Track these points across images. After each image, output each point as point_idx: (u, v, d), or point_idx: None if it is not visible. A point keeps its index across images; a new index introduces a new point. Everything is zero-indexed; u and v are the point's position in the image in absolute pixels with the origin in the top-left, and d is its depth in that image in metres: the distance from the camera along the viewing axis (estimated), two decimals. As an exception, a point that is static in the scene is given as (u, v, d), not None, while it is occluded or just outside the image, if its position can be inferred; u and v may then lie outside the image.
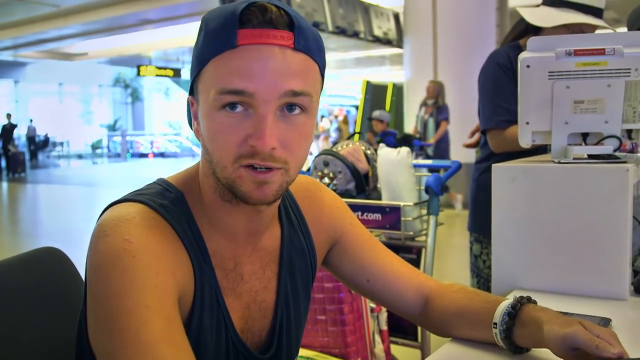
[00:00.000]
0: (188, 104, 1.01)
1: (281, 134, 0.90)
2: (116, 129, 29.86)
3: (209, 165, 0.95)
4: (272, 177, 0.92)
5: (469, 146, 4.23)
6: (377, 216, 2.53)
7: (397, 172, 2.56)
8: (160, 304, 0.85)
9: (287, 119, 0.91)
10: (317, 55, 0.95)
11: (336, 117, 22.96)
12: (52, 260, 1.24)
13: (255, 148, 0.88)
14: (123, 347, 0.81)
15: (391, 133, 7.79)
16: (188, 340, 0.87)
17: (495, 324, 1.07)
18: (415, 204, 2.55)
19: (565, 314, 1.05)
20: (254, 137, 0.88)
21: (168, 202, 0.97)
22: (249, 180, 0.91)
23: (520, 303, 1.06)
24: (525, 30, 2.33)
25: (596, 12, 2.16)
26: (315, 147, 18.43)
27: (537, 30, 2.20)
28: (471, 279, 2.53)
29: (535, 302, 1.08)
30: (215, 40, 0.90)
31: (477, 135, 3.86)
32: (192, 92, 0.98)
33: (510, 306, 1.06)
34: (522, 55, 1.55)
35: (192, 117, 1.00)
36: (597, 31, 2.17)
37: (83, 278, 0.99)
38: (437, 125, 8.46)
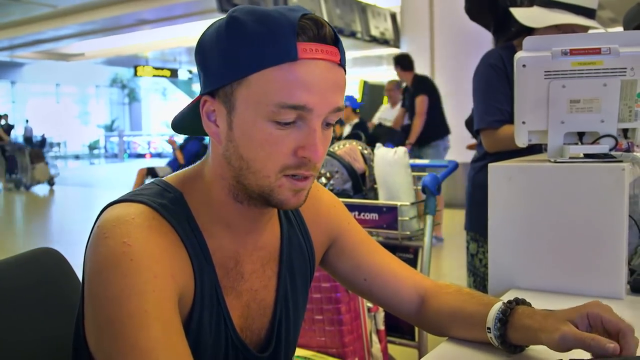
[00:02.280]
0: (197, 104, 0.99)
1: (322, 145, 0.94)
2: (113, 130, 29.82)
3: (233, 170, 0.96)
4: (307, 184, 0.96)
5: (472, 147, 4.25)
6: (374, 216, 2.53)
7: (394, 171, 2.57)
8: (159, 308, 0.85)
9: (324, 131, 0.94)
10: (346, 69, 0.98)
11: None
12: (48, 261, 1.24)
13: (306, 159, 0.91)
14: (121, 353, 0.81)
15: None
16: (187, 343, 0.87)
17: (489, 328, 1.07)
18: (412, 204, 2.55)
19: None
20: (307, 150, 0.91)
21: (167, 202, 0.97)
22: (289, 189, 0.94)
23: (510, 308, 1.06)
24: (518, 30, 2.34)
25: (588, 12, 2.16)
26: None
27: (529, 31, 2.21)
28: (468, 278, 2.54)
29: (527, 304, 1.08)
30: (271, 50, 0.88)
31: None
32: (210, 92, 0.95)
33: (500, 312, 1.06)
34: (518, 55, 1.55)
35: (205, 118, 0.97)
36: (590, 32, 2.18)
37: (80, 278, 0.99)
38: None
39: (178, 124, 1.09)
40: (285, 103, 0.88)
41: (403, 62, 6.88)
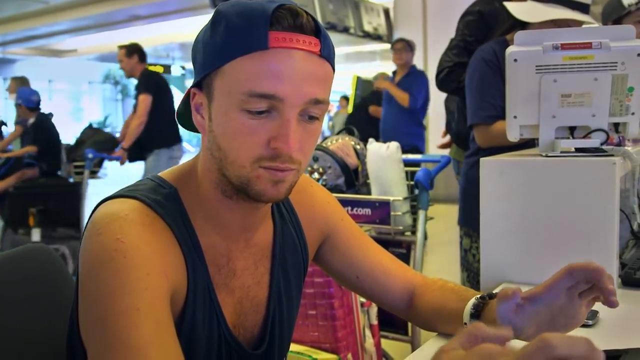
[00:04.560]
0: (187, 96, 1.00)
1: (300, 137, 0.92)
2: (106, 126, 29.70)
3: (215, 161, 0.95)
4: (287, 176, 0.93)
5: (443, 146, 4.25)
6: (367, 211, 2.54)
7: (387, 167, 2.57)
8: (151, 306, 0.84)
9: (305, 123, 0.93)
10: (333, 62, 0.96)
11: (328, 112, 22.98)
12: (40, 257, 1.24)
13: (278, 150, 0.90)
14: (113, 351, 0.81)
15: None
16: (178, 342, 0.87)
17: (465, 324, 1.08)
18: (405, 199, 2.55)
19: None
20: (278, 140, 0.89)
21: (162, 198, 0.96)
22: (267, 179, 0.92)
23: (483, 303, 1.07)
24: (512, 25, 2.34)
25: (582, 7, 2.17)
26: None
27: (523, 26, 2.21)
28: (461, 273, 2.55)
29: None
30: (243, 39, 0.88)
31: (448, 136, 3.89)
32: (198, 84, 0.96)
33: (473, 307, 1.08)
34: (510, 50, 1.55)
35: (193, 110, 0.99)
36: (583, 26, 2.18)
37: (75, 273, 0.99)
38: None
39: (180, 120, 1.09)
40: (254, 91, 0.88)
41: (130, 49, 5.65)
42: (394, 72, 6.47)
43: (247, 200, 0.98)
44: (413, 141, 5.89)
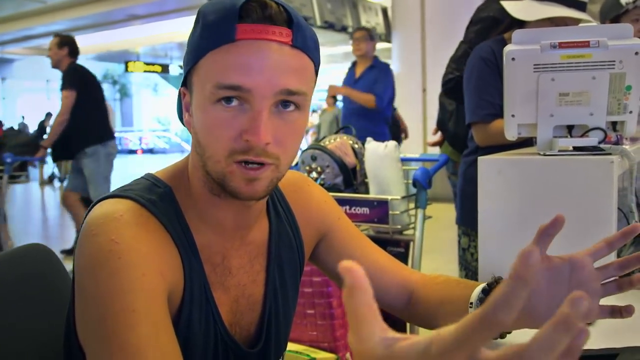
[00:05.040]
0: (179, 96, 1.01)
1: (275, 129, 0.91)
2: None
3: (199, 158, 0.95)
4: (262, 173, 0.92)
5: (434, 144, 4.24)
6: (365, 210, 2.53)
7: (385, 165, 2.57)
8: (147, 306, 0.84)
9: (281, 115, 0.92)
10: (314, 53, 0.95)
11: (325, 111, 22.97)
12: (38, 257, 1.24)
13: (249, 143, 0.89)
14: (110, 353, 0.81)
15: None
16: (176, 342, 0.87)
17: (471, 304, 1.06)
18: (403, 198, 2.55)
19: None
20: (249, 132, 0.89)
21: (156, 198, 0.96)
22: (240, 177, 0.91)
23: (497, 282, 1.05)
24: (510, 24, 2.34)
25: (579, 5, 2.17)
26: (305, 142, 18.41)
27: (521, 24, 2.21)
28: (459, 272, 2.55)
29: None
30: (213, 33, 0.89)
31: (440, 134, 3.88)
32: (185, 83, 0.97)
33: (487, 284, 1.06)
34: (507, 48, 1.55)
35: (183, 109, 1.00)
36: (581, 25, 2.18)
37: (70, 274, 0.99)
38: None
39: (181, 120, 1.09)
40: (221, 84, 0.88)
41: (63, 40, 5.38)
42: (354, 64, 5.78)
43: (234, 198, 0.97)
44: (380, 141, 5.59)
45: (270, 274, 1.10)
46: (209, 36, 0.90)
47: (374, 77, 5.46)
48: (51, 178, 14.63)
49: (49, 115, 16.00)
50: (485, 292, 1.05)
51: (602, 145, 1.52)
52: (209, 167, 0.93)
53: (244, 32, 0.88)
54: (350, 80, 5.64)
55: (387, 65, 5.74)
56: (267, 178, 0.93)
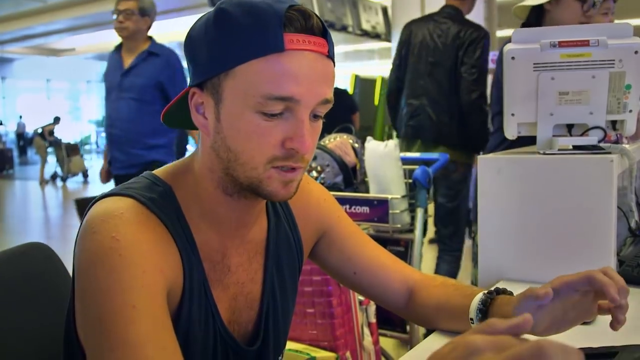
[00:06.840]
0: (186, 95, 0.99)
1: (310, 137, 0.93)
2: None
3: (222, 162, 0.95)
4: (296, 176, 0.96)
5: None
6: (365, 209, 2.54)
7: (385, 165, 2.57)
8: (147, 303, 0.85)
9: (312, 122, 0.94)
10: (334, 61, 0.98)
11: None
12: (38, 255, 1.24)
13: (294, 150, 0.91)
14: (110, 349, 0.81)
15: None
16: (176, 339, 0.87)
17: (472, 319, 1.09)
18: (403, 197, 2.55)
19: None
20: (295, 141, 0.91)
21: (156, 196, 0.97)
22: (278, 180, 0.94)
23: (490, 298, 1.08)
24: (536, 18, 2.34)
25: None
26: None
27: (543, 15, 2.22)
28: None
29: (508, 292, 1.10)
30: (257, 40, 0.88)
31: None
32: (199, 84, 0.95)
33: (481, 302, 1.08)
34: (507, 47, 1.55)
35: (194, 110, 0.97)
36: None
37: (70, 272, 0.99)
38: None
39: (169, 118, 1.08)
40: (272, 94, 0.88)
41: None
42: None
43: (249, 198, 0.99)
44: None
45: (268, 272, 1.11)
46: (250, 43, 0.88)
47: None
48: (54, 177, 14.65)
49: (57, 119, 16.02)
50: (484, 303, 1.08)
51: (601, 144, 1.52)
52: (240, 172, 0.94)
53: (291, 42, 0.88)
54: None
55: None
56: (298, 180, 0.97)
